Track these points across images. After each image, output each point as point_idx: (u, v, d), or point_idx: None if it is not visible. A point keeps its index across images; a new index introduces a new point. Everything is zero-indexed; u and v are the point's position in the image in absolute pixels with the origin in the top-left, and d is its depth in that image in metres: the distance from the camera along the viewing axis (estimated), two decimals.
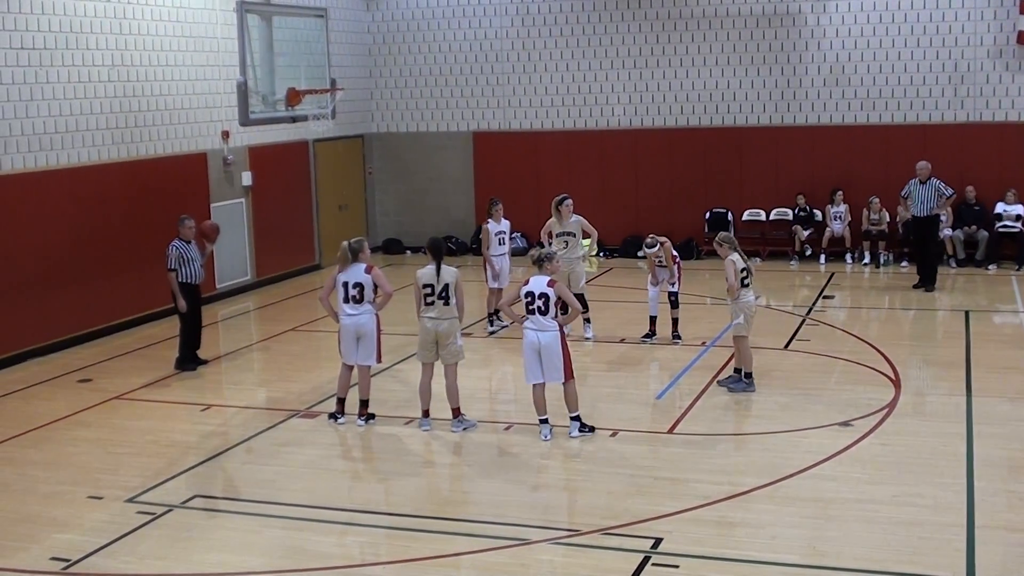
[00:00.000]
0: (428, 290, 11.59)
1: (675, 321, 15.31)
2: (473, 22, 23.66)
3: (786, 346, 15.10)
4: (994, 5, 20.67)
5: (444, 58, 23.96)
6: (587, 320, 15.58)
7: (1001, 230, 20.50)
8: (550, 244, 15.24)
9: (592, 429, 11.50)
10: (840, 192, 21.46)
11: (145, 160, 17.59)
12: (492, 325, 16.20)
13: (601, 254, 22.80)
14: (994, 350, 14.72)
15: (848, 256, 21.45)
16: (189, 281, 14.50)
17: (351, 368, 12.14)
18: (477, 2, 23.57)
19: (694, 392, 12.93)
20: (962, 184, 20.48)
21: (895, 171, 20.52)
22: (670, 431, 11.64)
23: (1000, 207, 20.65)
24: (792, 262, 21.64)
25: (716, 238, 13.03)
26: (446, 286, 11.54)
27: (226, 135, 19.47)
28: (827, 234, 21.51)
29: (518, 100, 23.60)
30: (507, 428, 11.90)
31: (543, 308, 11.16)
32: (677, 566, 8.37)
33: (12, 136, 15.16)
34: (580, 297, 14.98)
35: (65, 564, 8.78)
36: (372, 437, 11.85)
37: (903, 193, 18.90)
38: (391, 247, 24.45)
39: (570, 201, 15.55)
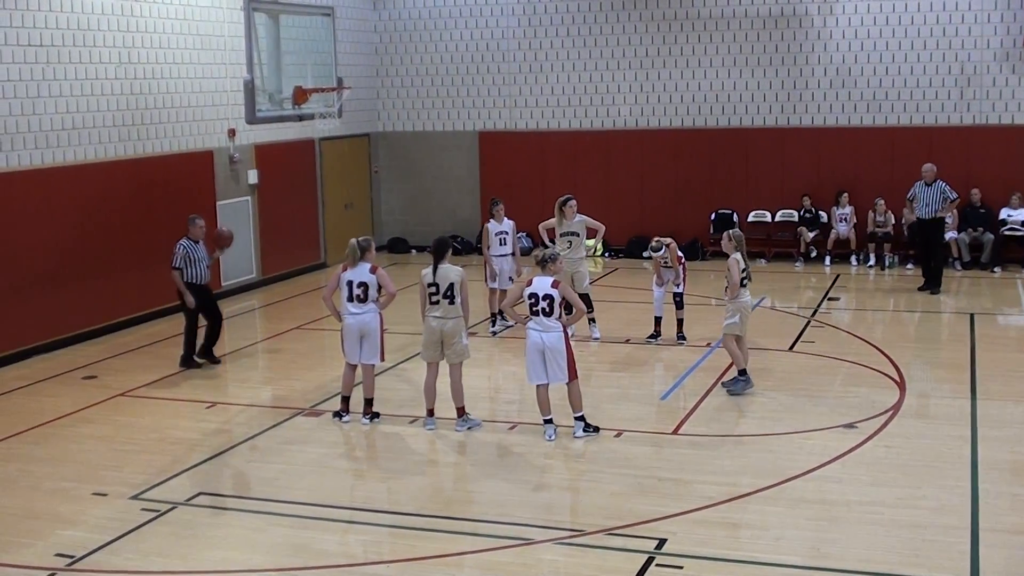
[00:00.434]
0: (433, 289, 11.59)
1: (680, 322, 15.31)
2: (480, 22, 23.67)
3: (791, 348, 15.09)
4: (1001, 8, 20.65)
5: (450, 58, 23.97)
6: (592, 320, 15.58)
7: (1007, 233, 20.48)
8: (552, 243, 15.26)
9: (596, 429, 11.50)
10: (846, 194, 21.44)
11: (151, 158, 17.61)
12: (495, 325, 16.19)
13: (606, 254, 22.80)
14: (999, 353, 14.70)
15: (853, 258, 21.44)
16: (194, 281, 14.49)
17: (355, 367, 12.15)
18: (484, 2, 23.57)
19: (699, 393, 12.93)
20: (968, 187, 20.47)
21: (901, 173, 20.52)
22: (674, 432, 11.64)
23: (1005, 212, 20.63)
24: (797, 263, 21.62)
25: (728, 232, 12.96)
26: (451, 285, 11.54)
27: (232, 133, 19.48)
28: (832, 236, 21.49)
29: (524, 100, 23.60)
30: (511, 428, 11.90)
31: (547, 309, 11.16)
32: (681, 567, 8.37)
33: (19, 133, 15.19)
34: (585, 297, 14.98)
35: (69, 560, 8.79)
36: (376, 436, 11.86)
37: (908, 195, 18.89)
38: (396, 246, 24.46)
39: (574, 202, 15.54)
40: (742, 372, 12.84)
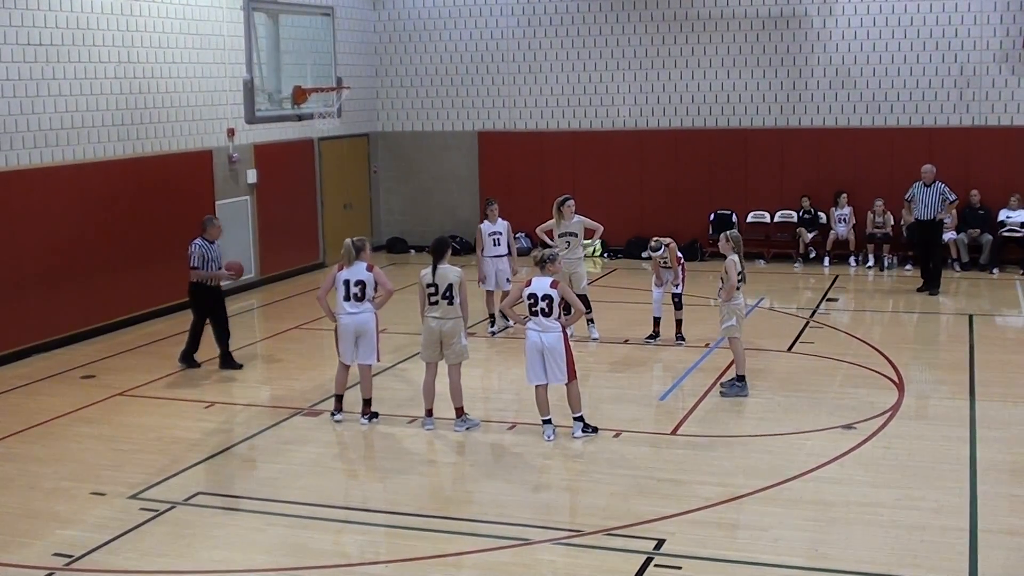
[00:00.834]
0: (432, 290, 11.59)
1: (679, 322, 15.31)
2: (479, 22, 23.68)
3: (789, 348, 15.09)
4: (1000, 9, 20.66)
5: (450, 58, 23.98)
6: (591, 321, 15.58)
7: (1005, 234, 20.49)
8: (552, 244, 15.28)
9: (595, 430, 11.50)
10: (844, 195, 21.45)
11: (150, 157, 17.61)
12: (493, 326, 16.17)
13: (604, 255, 22.81)
14: (997, 354, 14.71)
15: (852, 259, 21.44)
16: (207, 282, 14.38)
17: (348, 367, 12.14)
18: (483, 2, 23.58)
19: (697, 394, 12.94)
20: (967, 188, 20.49)
21: (900, 174, 20.52)
22: (673, 432, 11.64)
23: (1003, 214, 20.64)
24: (796, 264, 21.63)
25: (726, 233, 12.96)
26: (450, 286, 11.54)
27: (232, 133, 19.48)
28: (831, 236, 21.49)
29: (523, 100, 23.61)
30: (510, 428, 11.90)
31: (546, 309, 11.16)
32: (680, 567, 8.37)
33: (18, 132, 15.19)
34: (583, 298, 14.98)
35: (68, 560, 8.79)
36: (375, 436, 11.86)
37: (907, 196, 18.90)
38: (395, 246, 24.47)
39: (572, 202, 15.55)
40: (741, 377, 12.84)
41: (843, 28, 21.57)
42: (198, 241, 14.33)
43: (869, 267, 21.09)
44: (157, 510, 9.76)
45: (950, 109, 21.16)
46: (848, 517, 9.27)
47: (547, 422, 11.43)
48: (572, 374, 11.27)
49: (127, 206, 17.07)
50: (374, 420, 12.11)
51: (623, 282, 20.24)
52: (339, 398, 12.25)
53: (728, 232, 12.99)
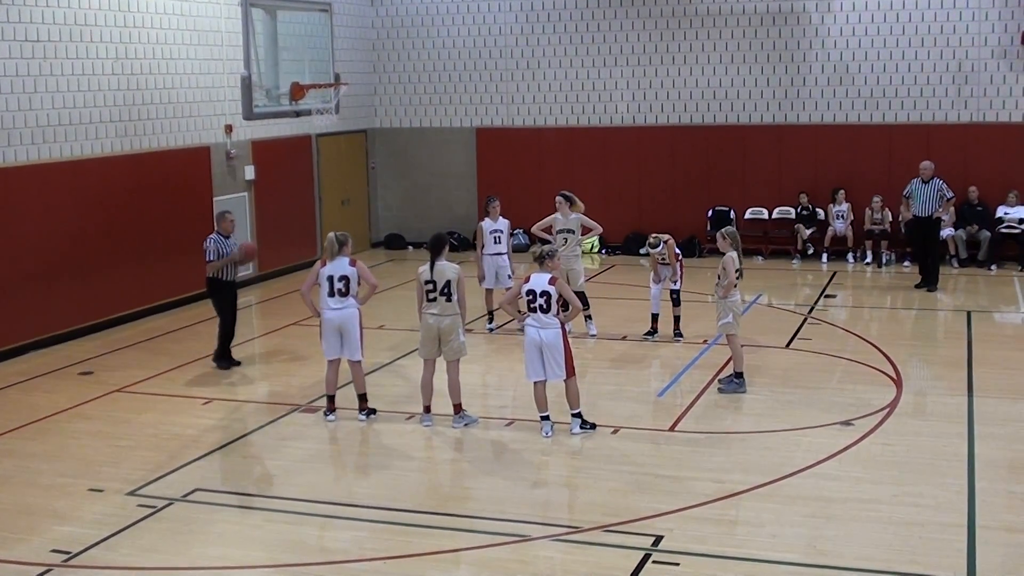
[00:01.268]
0: (430, 286, 11.58)
1: (677, 319, 15.31)
2: (477, 18, 23.65)
3: (787, 345, 15.10)
4: (999, 5, 20.65)
5: (448, 54, 23.96)
6: (589, 317, 15.59)
7: (1003, 231, 20.49)
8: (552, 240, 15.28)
9: (593, 426, 11.50)
10: (842, 191, 21.45)
11: (148, 153, 17.59)
12: (491, 323, 16.15)
13: (603, 251, 22.82)
14: (996, 350, 14.71)
15: (850, 255, 21.45)
16: (223, 278, 14.20)
17: (336, 365, 12.12)
18: None
19: (695, 390, 12.94)
20: (965, 184, 20.49)
21: (898, 171, 20.54)
22: (671, 429, 11.64)
23: (1001, 211, 20.64)
24: (794, 261, 21.63)
25: (722, 230, 12.99)
26: (448, 282, 11.53)
27: (229, 129, 19.46)
28: (829, 233, 21.50)
29: (521, 96, 23.59)
30: (508, 424, 11.90)
31: (545, 306, 11.16)
32: (678, 564, 8.37)
33: (15, 128, 15.17)
34: (581, 294, 14.99)
35: (66, 556, 8.79)
36: (373, 432, 11.85)
37: (905, 193, 18.90)
38: (393, 242, 24.46)
39: (563, 199, 15.56)
40: (739, 374, 12.84)
41: (841, 24, 21.56)
42: (213, 236, 14.20)
43: (867, 263, 21.09)
44: (155, 507, 9.76)
45: (948, 105, 21.16)
46: (846, 514, 9.28)
47: (545, 418, 11.43)
48: (571, 370, 11.27)
49: (125, 202, 17.05)
50: (371, 416, 12.11)
51: (621, 278, 20.24)
52: (331, 398, 12.23)
53: (725, 229, 13.01)
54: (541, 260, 11.39)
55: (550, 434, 11.35)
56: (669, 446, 11.18)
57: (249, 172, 20.07)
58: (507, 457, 11.01)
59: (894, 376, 13.38)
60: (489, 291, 16.01)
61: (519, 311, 11.67)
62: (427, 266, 11.65)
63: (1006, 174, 20.78)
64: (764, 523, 9.13)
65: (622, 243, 22.79)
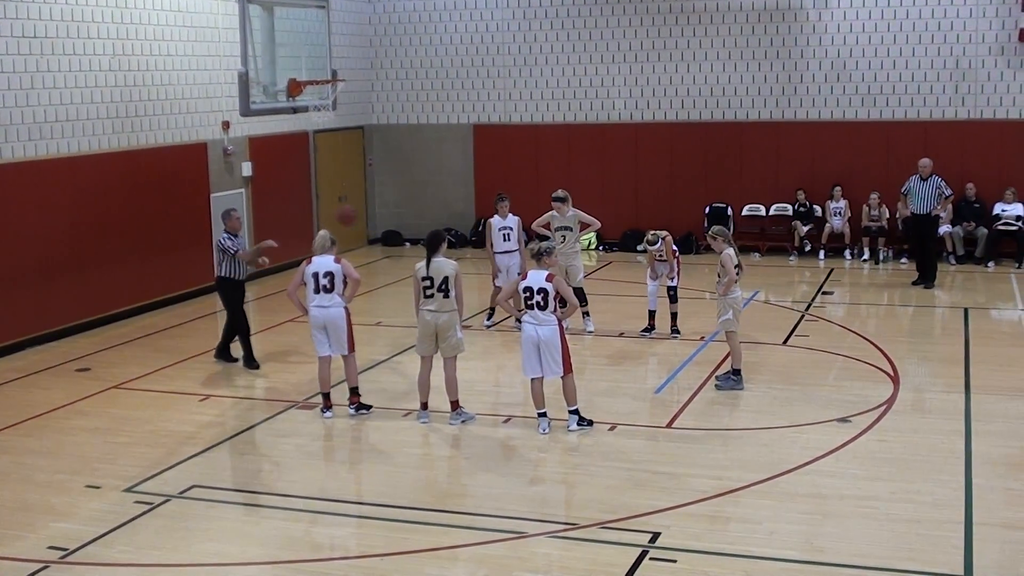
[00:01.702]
0: (427, 283, 11.58)
1: (674, 316, 15.31)
2: (474, 14, 23.64)
3: (785, 342, 15.10)
4: (996, 2, 20.65)
5: (445, 50, 23.94)
6: (586, 314, 15.58)
7: (1000, 228, 20.50)
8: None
9: (590, 423, 11.50)
10: (840, 188, 21.46)
11: (145, 150, 17.57)
12: (488, 320, 16.14)
13: (599, 248, 22.82)
14: (993, 347, 14.73)
15: (847, 252, 21.45)
16: (232, 276, 14.12)
17: (328, 361, 12.12)
18: None
19: (692, 387, 12.94)
20: (962, 181, 20.49)
21: (895, 167, 20.55)
22: (668, 425, 11.65)
23: (998, 208, 20.64)
24: (791, 257, 21.64)
25: (711, 231, 13.02)
26: (445, 279, 11.53)
27: (226, 125, 19.45)
28: (826, 230, 21.51)
29: (519, 93, 23.58)
30: (505, 421, 11.90)
31: (542, 303, 11.15)
32: (675, 560, 8.38)
33: (12, 125, 15.14)
34: (579, 291, 15.00)
35: (63, 553, 8.78)
36: (370, 429, 11.85)
37: (903, 190, 18.90)
38: (390, 239, 24.44)
39: (560, 195, 15.56)
40: (736, 371, 12.84)
41: (838, 21, 21.55)
42: (223, 235, 14.16)
43: (864, 260, 21.10)
44: (152, 503, 9.76)
45: (945, 102, 21.16)
46: (843, 510, 9.28)
47: (542, 415, 11.43)
48: (568, 367, 11.26)
49: (122, 199, 17.04)
50: (362, 412, 12.08)
51: (618, 275, 20.23)
52: (326, 396, 12.23)
53: (714, 229, 13.01)
54: (538, 257, 11.39)
55: (547, 431, 11.35)
56: (666, 443, 11.19)
57: (246, 168, 20.06)
58: (504, 454, 11.02)
59: (891, 373, 13.38)
60: (498, 288, 15.96)
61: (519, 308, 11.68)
62: (423, 262, 11.64)
63: (1003, 171, 20.78)
64: (761, 520, 9.13)
65: (619, 240, 22.79)
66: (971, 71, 20.93)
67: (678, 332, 15.28)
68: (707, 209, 22.37)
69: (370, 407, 12.19)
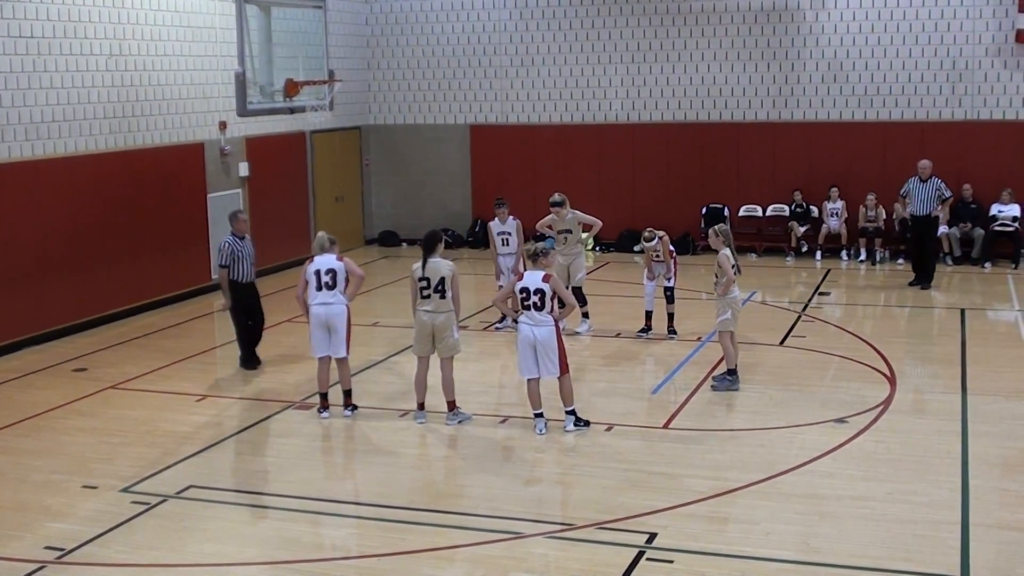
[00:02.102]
0: (424, 284, 11.58)
1: (671, 316, 15.31)
2: (471, 15, 23.63)
3: (781, 342, 15.11)
4: (993, 3, 20.67)
5: (442, 51, 23.94)
6: (586, 315, 15.57)
7: (997, 229, 20.52)
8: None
9: (587, 423, 11.50)
10: (836, 188, 21.48)
11: (142, 150, 17.56)
12: (501, 323, 16.04)
13: (596, 248, 22.82)
14: (989, 348, 14.74)
15: (844, 253, 21.47)
16: (240, 279, 13.98)
17: (327, 362, 12.12)
18: None
19: (689, 387, 12.94)
20: (959, 182, 20.51)
21: (892, 168, 20.57)
22: (665, 426, 11.65)
23: (995, 209, 20.66)
24: (788, 258, 21.65)
25: (714, 227, 12.97)
26: (442, 280, 11.53)
27: (223, 125, 19.43)
28: (823, 230, 21.52)
29: (515, 93, 23.58)
30: (502, 422, 11.90)
31: (539, 303, 11.15)
32: (671, 561, 8.38)
33: (9, 124, 15.13)
34: (577, 291, 15.01)
35: (59, 553, 8.77)
36: (367, 429, 11.84)
37: (902, 191, 18.92)
38: (387, 239, 24.43)
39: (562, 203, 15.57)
40: (732, 371, 12.85)
41: (835, 22, 21.56)
42: (228, 238, 13.94)
43: (861, 261, 21.11)
44: (149, 503, 9.75)
45: (942, 103, 21.18)
46: (840, 511, 9.29)
47: (539, 416, 11.43)
48: (564, 368, 11.27)
49: (119, 199, 17.03)
50: (348, 411, 12.09)
51: (615, 276, 20.24)
52: (324, 396, 12.23)
53: (716, 227, 13.00)
54: (535, 258, 11.38)
55: (544, 431, 11.35)
56: (663, 443, 11.19)
57: (243, 169, 20.05)
58: (501, 454, 11.01)
59: (888, 374, 13.39)
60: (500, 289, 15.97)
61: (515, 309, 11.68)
62: (420, 263, 11.64)
63: (1000, 172, 20.80)
64: (758, 520, 9.13)
65: (616, 240, 22.80)
66: (968, 72, 20.95)
67: (675, 332, 15.28)
68: (704, 210, 22.37)
69: (355, 407, 12.17)
